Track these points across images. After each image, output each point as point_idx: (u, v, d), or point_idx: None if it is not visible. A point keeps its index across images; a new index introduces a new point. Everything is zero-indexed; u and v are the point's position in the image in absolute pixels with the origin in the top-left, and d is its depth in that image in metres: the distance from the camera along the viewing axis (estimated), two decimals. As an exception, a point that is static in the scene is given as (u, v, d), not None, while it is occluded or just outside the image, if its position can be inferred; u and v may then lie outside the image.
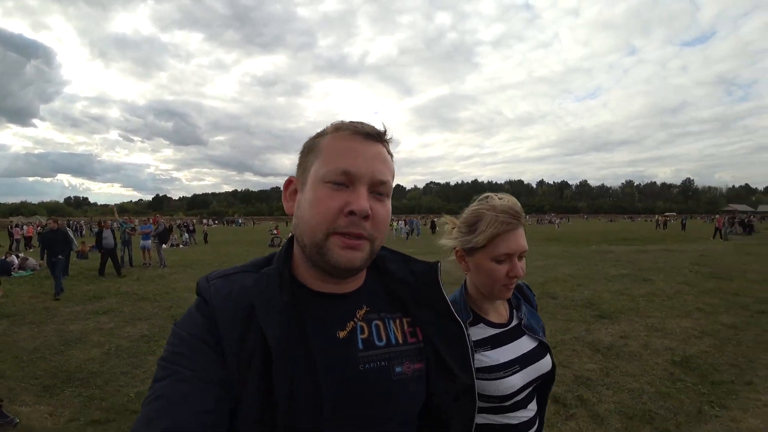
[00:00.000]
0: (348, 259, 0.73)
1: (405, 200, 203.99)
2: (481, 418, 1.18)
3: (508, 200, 1.23)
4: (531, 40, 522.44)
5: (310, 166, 0.78)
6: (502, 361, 1.20)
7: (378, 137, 0.79)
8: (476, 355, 1.17)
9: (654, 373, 4.59)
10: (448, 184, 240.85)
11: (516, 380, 1.18)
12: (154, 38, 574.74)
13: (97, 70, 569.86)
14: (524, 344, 1.26)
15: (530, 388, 1.25)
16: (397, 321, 0.85)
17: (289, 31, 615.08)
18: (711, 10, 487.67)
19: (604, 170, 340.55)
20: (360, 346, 0.78)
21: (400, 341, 0.83)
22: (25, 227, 24.89)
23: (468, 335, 0.90)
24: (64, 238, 10.43)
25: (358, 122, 0.80)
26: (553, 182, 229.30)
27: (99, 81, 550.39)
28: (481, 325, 1.26)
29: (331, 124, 0.81)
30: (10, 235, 21.89)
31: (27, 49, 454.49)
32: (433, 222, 40.25)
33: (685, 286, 9.60)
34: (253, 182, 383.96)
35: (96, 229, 13.89)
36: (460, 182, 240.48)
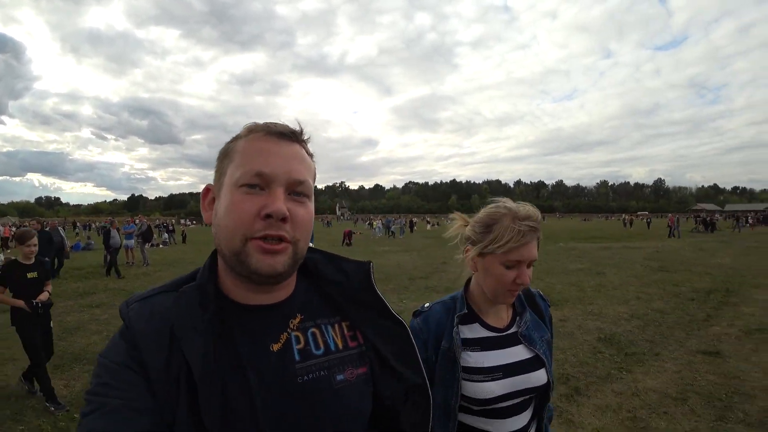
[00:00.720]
0: (269, 264, 0.70)
1: (384, 200, 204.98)
2: (461, 417, 1.20)
3: (529, 209, 1.20)
4: (510, 42, 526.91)
5: (225, 171, 0.75)
6: (485, 365, 1.18)
7: (293, 136, 0.76)
8: (462, 354, 1.18)
9: (580, 347, 5.46)
10: (426, 183, 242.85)
11: (495, 387, 1.16)
12: (128, 34, 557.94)
13: (69, 65, 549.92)
14: (516, 353, 1.22)
15: (519, 399, 1.21)
16: (336, 326, 0.82)
17: (268, 29, 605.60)
18: (683, 16, 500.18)
19: (581, 170, 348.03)
20: (297, 357, 0.74)
21: (340, 347, 0.80)
22: (1, 228, 24.83)
23: (410, 332, 0.86)
24: (49, 239, 10.61)
25: (272, 123, 0.77)
26: (530, 182, 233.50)
27: (71, 77, 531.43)
28: (476, 325, 1.25)
29: (245, 126, 0.78)
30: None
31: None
32: (411, 221, 41.28)
33: (633, 279, 10.61)
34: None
35: (76, 229, 14.19)
36: (438, 182, 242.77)
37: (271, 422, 0.67)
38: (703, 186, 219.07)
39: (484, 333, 1.23)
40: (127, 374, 0.66)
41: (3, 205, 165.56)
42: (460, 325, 1.23)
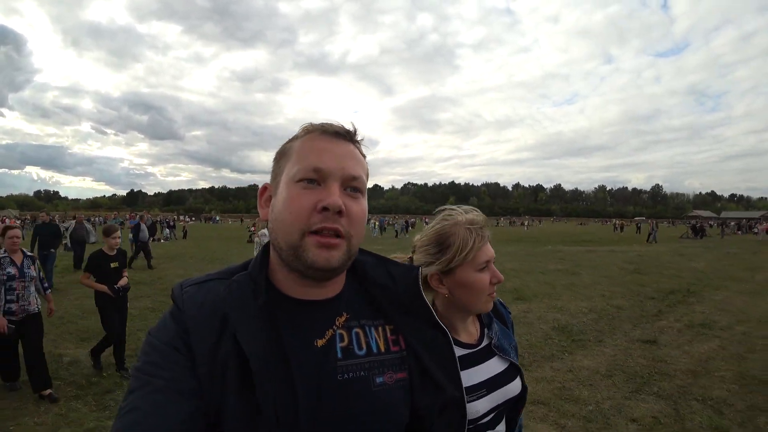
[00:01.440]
0: (325, 258, 0.71)
1: (382, 200, 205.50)
2: None
3: (474, 212, 1.22)
4: (511, 45, 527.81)
5: (282, 169, 0.77)
6: (468, 384, 1.14)
7: (348, 136, 0.78)
8: None
9: (535, 334, 6.24)
10: (425, 184, 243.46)
11: (481, 405, 1.15)
12: (130, 28, 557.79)
13: (69, 59, 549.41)
14: (493, 366, 1.21)
15: (497, 411, 1.20)
16: (379, 329, 0.82)
17: (270, 26, 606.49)
18: (685, 23, 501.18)
19: (581, 174, 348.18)
20: (339, 355, 0.75)
21: (382, 350, 0.79)
22: (7, 220, 25.55)
23: (453, 345, 0.86)
24: (57, 231, 11.05)
25: (327, 123, 0.79)
26: (529, 185, 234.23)
27: (72, 70, 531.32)
28: None
29: (302, 127, 0.80)
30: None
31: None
32: (407, 222, 42.17)
33: (605, 279, 11.39)
34: (230, 179, 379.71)
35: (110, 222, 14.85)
36: (437, 183, 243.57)
37: (308, 415, 0.68)
38: (700, 193, 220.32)
39: (460, 351, 1.18)
40: (174, 355, 0.68)
41: (2, 198, 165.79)
42: None
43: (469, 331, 1.25)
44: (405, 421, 0.78)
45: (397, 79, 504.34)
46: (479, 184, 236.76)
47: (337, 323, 0.78)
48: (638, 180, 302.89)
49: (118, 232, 5.12)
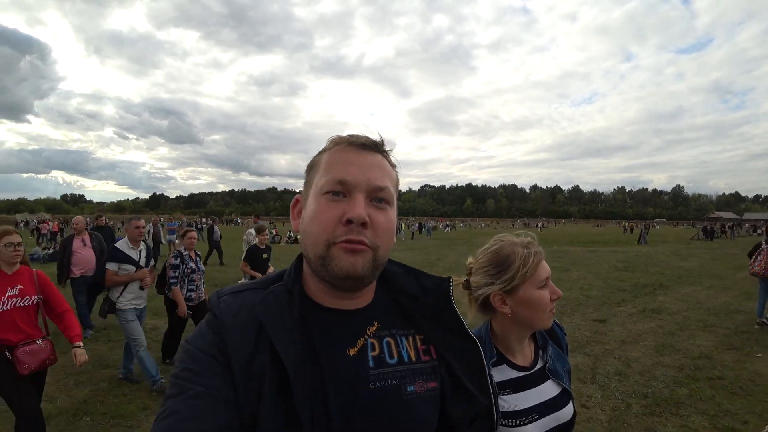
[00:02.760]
0: (350, 263, 0.71)
1: (399, 202, 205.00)
2: None
3: (522, 236, 1.25)
4: (528, 44, 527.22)
5: (312, 182, 0.78)
6: (521, 407, 1.16)
7: (374, 147, 0.79)
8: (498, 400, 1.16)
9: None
10: (443, 187, 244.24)
11: (532, 429, 1.16)
12: (149, 36, 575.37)
13: (92, 66, 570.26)
14: (547, 390, 1.21)
15: None
16: (410, 338, 0.83)
17: (286, 31, 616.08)
18: (707, 18, 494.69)
19: (600, 175, 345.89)
20: (371, 363, 0.76)
21: (413, 359, 0.81)
22: (51, 223, 27.72)
23: (483, 354, 0.86)
24: (113, 234, 12.04)
25: (354, 135, 0.80)
26: (546, 187, 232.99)
27: (94, 78, 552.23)
28: (504, 366, 1.22)
29: (329, 139, 0.81)
30: (38, 230, 24.53)
31: (22, 45, 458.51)
32: (420, 224, 43.65)
33: (591, 275, 12.63)
34: (249, 182, 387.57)
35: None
36: (455, 185, 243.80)
37: (341, 423, 0.68)
38: (724, 194, 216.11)
39: (514, 374, 1.20)
40: (211, 363, 0.69)
41: (31, 201, 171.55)
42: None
43: (525, 354, 1.26)
44: (434, 426, 0.78)
45: (414, 81, 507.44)
46: (496, 186, 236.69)
47: (368, 332, 0.79)
48: (660, 181, 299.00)
49: (267, 230, 6.64)
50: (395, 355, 0.79)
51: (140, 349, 4.49)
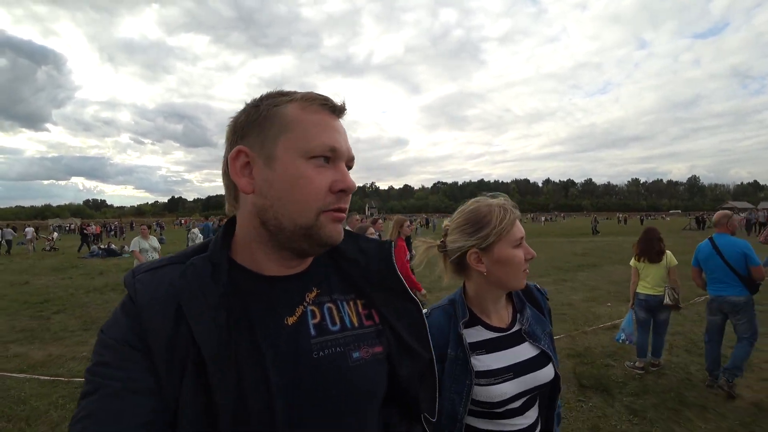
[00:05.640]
0: (337, 231, 0.73)
1: (413, 199, 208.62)
2: (471, 421, 1.20)
3: (501, 198, 1.27)
4: (538, 36, 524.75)
5: (275, 138, 0.71)
6: (494, 367, 1.18)
7: (344, 112, 0.77)
8: (471, 358, 1.17)
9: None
10: (455, 183, 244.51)
11: (508, 388, 1.17)
12: (160, 42, 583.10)
13: (107, 74, 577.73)
14: (523, 351, 1.23)
15: (528, 396, 1.22)
16: (351, 303, 0.81)
17: (294, 32, 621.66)
18: (723, 1, 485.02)
19: (617, 167, 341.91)
20: (312, 332, 0.73)
21: (356, 324, 0.78)
22: (93, 226, 31.18)
23: (424, 313, 0.87)
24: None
25: (322, 95, 0.75)
26: (559, 180, 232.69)
27: (109, 85, 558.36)
28: (479, 327, 1.24)
29: (295, 94, 0.75)
30: (83, 233, 27.64)
31: (37, 55, 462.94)
32: (426, 219, 46.27)
33: (549, 260, 14.80)
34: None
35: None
36: (467, 181, 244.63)
37: (285, 397, 0.66)
38: (742, 183, 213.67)
39: (488, 335, 1.23)
40: (128, 353, 0.63)
41: (55, 207, 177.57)
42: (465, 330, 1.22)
43: (501, 315, 1.28)
44: (382, 395, 0.78)
45: (424, 77, 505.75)
46: (509, 181, 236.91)
47: (307, 299, 0.76)
48: (680, 171, 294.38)
49: (371, 229, 6.45)
50: (337, 322, 0.76)
51: None
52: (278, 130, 0.72)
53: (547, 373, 1.24)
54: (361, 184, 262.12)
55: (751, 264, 4.15)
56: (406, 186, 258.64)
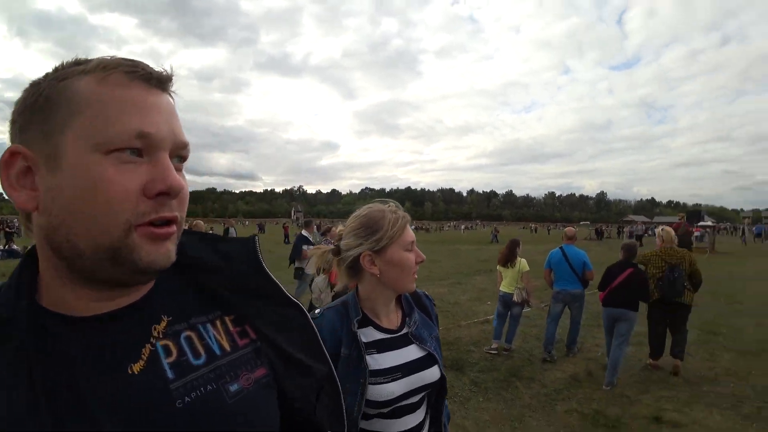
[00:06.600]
0: (163, 254, 0.54)
1: (340, 204, 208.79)
2: (360, 423, 1.19)
3: (393, 203, 1.32)
4: (474, 53, 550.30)
5: (62, 127, 0.51)
6: (384, 366, 1.22)
7: (167, 83, 0.57)
8: (365, 356, 1.19)
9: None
10: (383, 189, 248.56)
11: (397, 387, 1.21)
12: (81, 19, 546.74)
13: (15, 49, 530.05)
14: (410, 353, 1.28)
15: (416, 397, 1.27)
16: (218, 323, 0.65)
17: (231, 24, 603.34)
18: (637, 39, 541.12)
19: (538, 180, 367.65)
20: (170, 374, 0.56)
21: (228, 348, 0.63)
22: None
23: (310, 318, 0.76)
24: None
25: (131, 60, 0.54)
26: (483, 191, 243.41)
27: (16, 61, 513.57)
28: (369, 328, 1.27)
29: (89, 61, 0.54)
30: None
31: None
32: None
33: (455, 263, 16.12)
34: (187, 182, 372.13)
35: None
36: (395, 188, 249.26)
37: None
38: (642, 199, 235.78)
39: (379, 335, 1.26)
40: None
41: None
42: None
43: (390, 318, 1.32)
44: (277, 423, 0.65)
45: (360, 83, 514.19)
46: (435, 190, 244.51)
47: (154, 333, 0.58)
48: (591, 186, 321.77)
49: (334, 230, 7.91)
50: (202, 353, 0.60)
51: None
52: (65, 115, 0.51)
53: (433, 374, 1.29)
54: (288, 187, 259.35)
55: (587, 269, 5.77)
56: (334, 191, 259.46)
